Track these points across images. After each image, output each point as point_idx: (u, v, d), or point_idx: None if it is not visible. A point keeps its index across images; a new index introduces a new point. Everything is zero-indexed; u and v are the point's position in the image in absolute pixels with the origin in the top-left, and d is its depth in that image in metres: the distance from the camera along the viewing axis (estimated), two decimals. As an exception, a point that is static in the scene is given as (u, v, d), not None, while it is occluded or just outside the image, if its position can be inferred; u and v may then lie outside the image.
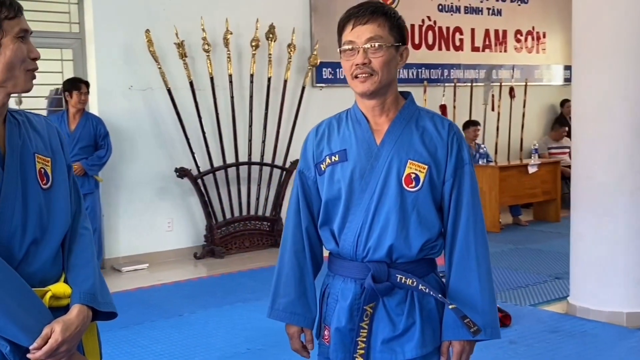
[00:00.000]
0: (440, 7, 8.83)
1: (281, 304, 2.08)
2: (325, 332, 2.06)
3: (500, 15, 9.45)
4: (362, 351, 1.97)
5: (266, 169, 7.41)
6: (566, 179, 8.46)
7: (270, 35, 7.21)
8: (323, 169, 2.03)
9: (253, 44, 7.15)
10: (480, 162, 8.10)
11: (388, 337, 1.97)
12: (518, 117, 9.21)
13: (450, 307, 1.91)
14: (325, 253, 2.14)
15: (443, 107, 8.60)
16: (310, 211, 2.09)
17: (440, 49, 8.84)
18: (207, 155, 7.01)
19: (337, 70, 7.89)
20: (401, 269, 1.94)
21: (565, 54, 10.34)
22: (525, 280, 5.81)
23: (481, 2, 9.22)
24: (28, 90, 1.77)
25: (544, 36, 10.02)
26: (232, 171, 7.20)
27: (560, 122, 9.74)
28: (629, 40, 4.51)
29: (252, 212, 7.36)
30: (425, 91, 8.49)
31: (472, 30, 9.14)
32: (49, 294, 1.73)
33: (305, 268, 2.09)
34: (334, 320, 2.03)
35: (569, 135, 9.55)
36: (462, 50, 9.05)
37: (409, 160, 1.94)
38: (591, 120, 4.70)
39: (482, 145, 8.47)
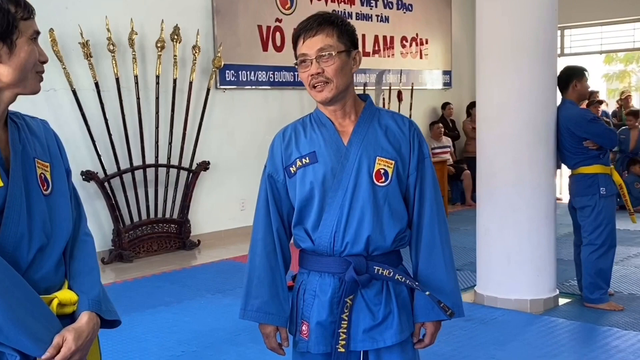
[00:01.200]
0: (334, 13, 9.02)
1: (254, 304, 2.13)
2: (304, 328, 2.12)
3: (388, 22, 9.82)
4: (344, 342, 2.07)
5: (173, 171, 7.32)
6: (449, 176, 8.97)
7: (175, 37, 7.12)
8: (293, 171, 2.10)
9: (158, 45, 7.03)
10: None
11: (368, 326, 2.08)
12: (406, 119, 9.64)
13: (426, 293, 2.06)
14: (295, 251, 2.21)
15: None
16: (279, 213, 2.16)
17: (334, 53, 9.04)
18: (114, 158, 6.83)
19: (240, 72, 7.92)
20: (377, 261, 2.06)
21: (446, 59, 10.93)
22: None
23: (371, 9, 9.55)
24: (36, 92, 1.75)
25: (427, 42, 10.52)
26: (139, 173, 7.05)
27: (438, 122, 10.27)
28: (529, 47, 4.81)
29: (160, 215, 7.24)
30: (322, 94, 8.72)
31: (363, 36, 9.43)
32: (55, 302, 1.71)
33: (277, 269, 2.14)
34: (313, 315, 2.10)
35: (447, 134, 10.11)
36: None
37: (377, 157, 2.06)
38: (495, 121, 4.96)
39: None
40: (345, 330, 2.07)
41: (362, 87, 9.15)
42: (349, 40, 2.07)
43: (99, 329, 1.77)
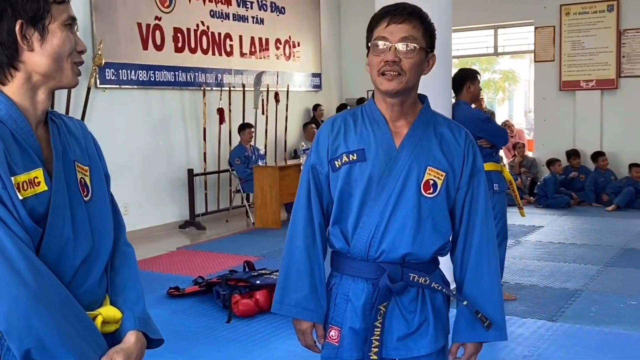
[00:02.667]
0: (212, 13, 8.84)
1: (293, 299, 2.01)
2: (332, 333, 2.02)
3: (263, 24, 9.76)
4: (377, 349, 1.96)
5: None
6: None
7: (52, 32, 6.63)
8: (338, 165, 1.97)
9: (35, 41, 6.51)
10: (260, 163, 8.33)
11: (403, 334, 1.98)
12: (282, 120, 9.64)
13: (464, 303, 1.97)
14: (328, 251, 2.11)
15: (221, 111, 8.68)
16: (321, 206, 2.03)
17: (214, 54, 8.86)
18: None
19: (121, 71, 7.53)
20: (413, 268, 1.96)
21: (316, 62, 11.05)
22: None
23: (247, 10, 9.43)
24: (74, 86, 1.57)
25: (298, 45, 10.57)
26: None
27: (308, 122, 10.34)
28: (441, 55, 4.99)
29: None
30: (204, 95, 8.50)
31: (240, 37, 9.30)
32: (99, 319, 1.53)
33: (317, 263, 2.02)
34: (346, 320, 2.00)
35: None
36: (232, 55, 9.18)
37: (428, 167, 1.94)
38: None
39: (260, 148, 8.71)
40: (378, 338, 1.96)
41: (242, 88, 9.04)
42: (430, 40, 1.95)
43: (145, 351, 1.60)
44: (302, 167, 7.57)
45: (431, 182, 1.94)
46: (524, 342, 4.20)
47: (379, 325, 1.96)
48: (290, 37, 10.34)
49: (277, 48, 10.08)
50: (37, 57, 1.46)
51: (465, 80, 5.21)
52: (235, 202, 9.04)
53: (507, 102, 22.97)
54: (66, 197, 1.49)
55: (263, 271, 5.18)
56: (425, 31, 1.92)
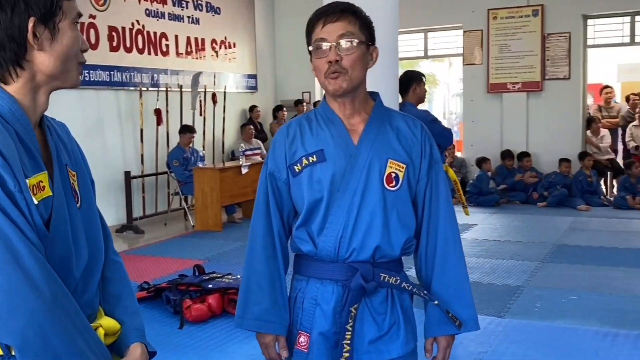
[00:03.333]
0: (147, 11, 8.62)
1: (254, 312, 1.96)
2: (302, 339, 1.96)
3: (199, 24, 9.59)
4: (347, 354, 1.91)
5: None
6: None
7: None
8: (298, 170, 1.93)
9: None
10: (200, 165, 8.18)
11: (374, 337, 1.94)
12: (219, 121, 9.50)
13: (435, 303, 1.94)
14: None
15: (158, 112, 8.48)
16: (281, 214, 1.99)
17: (149, 53, 8.63)
18: None
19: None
20: (383, 268, 1.92)
21: (251, 63, 10.95)
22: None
23: (182, 10, 9.25)
24: (77, 86, 1.47)
25: (234, 46, 10.44)
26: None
27: (246, 124, 10.24)
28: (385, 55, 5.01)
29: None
30: (141, 96, 8.28)
31: (176, 36, 9.11)
32: (101, 331, 1.45)
33: (277, 274, 1.98)
34: (315, 325, 1.94)
35: (257, 137, 10.14)
36: (168, 55, 8.97)
37: (388, 160, 1.92)
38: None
39: (201, 150, 8.55)
40: (349, 342, 1.91)
41: (179, 89, 8.86)
42: (369, 33, 1.94)
43: None
44: (242, 169, 7.42)
45: (393, 174, 1.93)
46: (476, 338, 4.26)
47: (350, 329, 1.92)
48: (226, 38, 10.20)
49: (213, 49, 9.93)
50: (45, 57, 1.35)
51: (411, 81, 5.27)
52: (174, 205, 8.86)
53: (427, 104, 23.47)
54: (65, 203, 1.39)
55: (214, 275, 5.08)
56: (361, 25, 1.92)
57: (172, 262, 6.52)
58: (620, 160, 10.68)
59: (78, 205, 1.45)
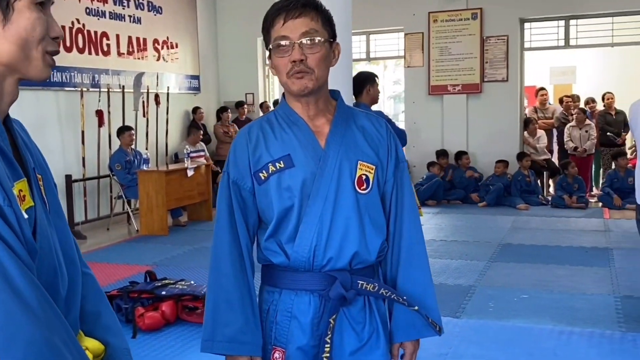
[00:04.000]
0: (88, 10, 8.31)
1: (225, 334, 1.78)
2: (277, 355, 1.83)
3: (140, 23, 9.31)
4: None
5: None
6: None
7: None
8: (264, 177, 1.80)
9: None
10: (144, 168, 7.94)
11: (355, 347, 1.84)
12: (162, 123, 9.26)
13: (414, 308, 1.84)
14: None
15: (100, 113, 8.19)
16: (247, 225, 1.84)
17: (90, 53, 8.33)
18: None
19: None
20: (360, 275, 1.82)
21: (194, 64, 10.73)
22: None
23: (123, 8, 8.96)
24: (44, 79, 1.26)
25: (177, 46, 10.20)
26: None
27: (195, 127, 10.05)
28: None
29: None
30: (81, 97, 7.97)
31: (117, 36, 8.82)
32: (89, 355, 1.31)
33: (247, 290, 1.81)
34: (292, 339, 1.81)
35: (202, 140, 9.94)
36: (110, 55, 8.67)
37: (358, 162, 1.81)
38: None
39: (145, 152, 8.30)
40: (328, 355, 1.79)
41: (121, 90, 8.58)
42: (330, 29, 1.81)
43: None
44: (188, 171, 7.23)
45: (364, 177, 1.82)
46: (435, 339, 4.13)
47: (329, 341, 1.80)
48: (168, 38, 9.96)
49: (156, 49, 9.68)
50: None
51: (365, 83, 5.23)
52: (117, 209, 8.57)
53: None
54: (44, 213, 1.24)
55: (167, 281, 4.90)
56: (324, 21, 1.79)
57: (118, 269, 6.29)
58: (555, 160, 10.95)
59: (48, 213, 1.28)
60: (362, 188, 1.82)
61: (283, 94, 1.90)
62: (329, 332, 1.79)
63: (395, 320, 1.91)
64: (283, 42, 1.75)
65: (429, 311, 1.89)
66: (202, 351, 1.82)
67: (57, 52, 1.27)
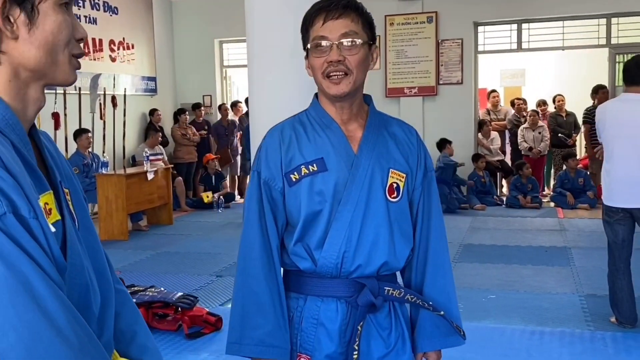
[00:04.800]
0: None
1: (254, 337, 1.76)
2: None
3: (96, 24, 9.09)
4: None
5: None
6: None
7: None
8: (295, 179, 1.76)
9: None
10: (103, 171, 7.74)
11: (382, 354, 1.82)
12: (120, 125, 9.04)
13: (441, 314, 1.83)
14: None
15: (56, 116, 7.95)
16: (277, 226, 1.80)
17: (45, 54, 8.08)
18: None
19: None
20: (386, 281, 1.81)
21: (150, 65, 10.53)
22: (197, 282, 5.83)
23: (79, 9, 8.72)
24: (71, 83, 1.18)
25: (133, 47, 9.99)
26: None
27: (153, 129, 9.86)
28: (299, 55, 4.84)
29: None
30: (38, 98, 7.72)
31: (73, 37, 8.59)
32: None
33: (277, 293, 1.78)
34: (320, 347, 1.78)
35: (160, 142, 9.75)
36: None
37: (390, 169, 1.79)
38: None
39: (103, 155, 8.09)
40: None
41: (77, 91, 8.34)
42: (370, 32, 1.78)
43: None
44: (148, 175, 6.99)
45: (395, 185, 1.80)
46: None
47: (357, 348, 1.77)
48: (124, 39, 9.75)
49: (112, 50, 9.46)
50: (24, 46, 1.08)
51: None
52: (75, 213, 8.32)
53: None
54: (73, 228, 1.16)
55: (136, 288, 4.77)
56: (364, 23, 1.76)
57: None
58: (508, 161, 11.13)
59: (77, 227, 1.20)
60: (392, 196, 1.80)
61: (316, 94, 1.85)
62: (357, 339, 1.77)
63: (420, 328, 1.90)
64: (322, 42, 1.72)
65: (453, 318, 1.88)
66: (228, 353, 1.79)
67: (83, 55, 1.20)
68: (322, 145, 1.78)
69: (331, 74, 1.72)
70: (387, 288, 1.79)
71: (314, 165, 1.76)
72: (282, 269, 1.85)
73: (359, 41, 1.72)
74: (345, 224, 1.75)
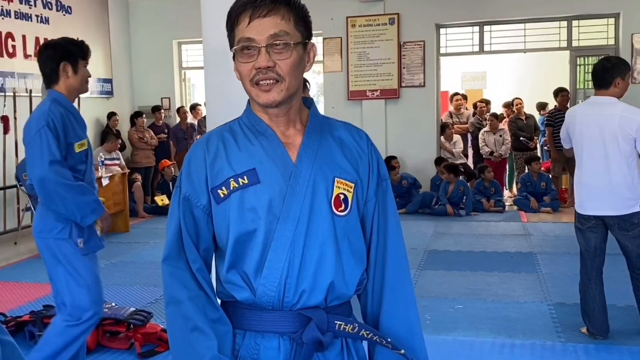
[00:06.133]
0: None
1: None
2: None
3: (49, 23, 8.66)
4: None
5: None
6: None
7: None
8: (223, 195, 1.52)
9: None
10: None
11: None
12: (73, 129, 8.64)
13: (401, 352, 1.56)
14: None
15: (5, 119, 7.54)
16: (197, 251, 1.56)
17: (-7, 54, 7.67)
18: None
19: None
20: (336, 313, 1.55)
21: (106, 67, 10.13)
22: (152, 295, 5.51)
23: (30, 8, 8.30)
24: None
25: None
26: None
27: (110, 133, 9.46)
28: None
29: None
30: (-17, 101, 7.31)
31: (24, 37, 8.16)
32: None
33: (213, 308, 1.53)
34: None
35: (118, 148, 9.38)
36: (15, 57, 8.00)
37: (335, 178, 1.54)
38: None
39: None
40: None
41: (28, 94, 7.94)
42: (305, 28, 1.54)
43: None
44: (102, 180, 6.65)
45: (342, 196, 1.55)
46: None
47: None
48: (78, 39, 9.30)
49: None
50: None
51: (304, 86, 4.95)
52: (25, 222, 7.91)
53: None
54: None
55: (85, 304, 4.44)
56: (297, 19, 1.51)
57: (29, 288, 5.74)
58: (470, 164, 11.02)
59: None
60: (339, 209, 1.54)
61: (248, 100, 1.60)
62: None
63: None
64: (247, 46, 1.48)
65: (416, 354, 1.61)
66: None
67: None
68: (254, 154, 1.54)
69: (260, 82, 1.49)
70: (338, 322, 1.54)
71: (244, 177, 1.51)
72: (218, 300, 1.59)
73: (290, 42, 1.48)
74: (286, 245, 1.50)
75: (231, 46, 1.53)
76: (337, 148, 1.59)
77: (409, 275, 1.66)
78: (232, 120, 1.62)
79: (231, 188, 1.51)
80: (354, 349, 1.61)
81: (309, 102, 1.64)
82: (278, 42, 1.47)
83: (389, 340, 1.57)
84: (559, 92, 9.65)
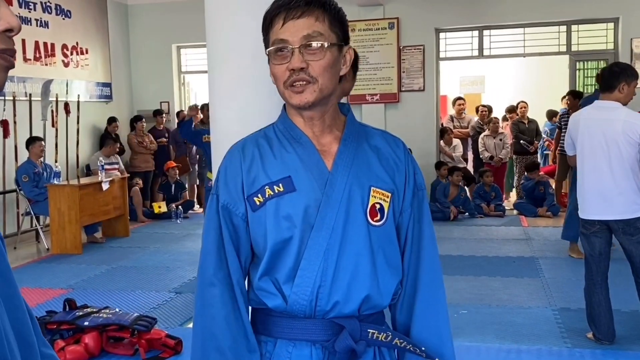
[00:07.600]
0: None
1: None
2: None
3: (48, 27, 8.64)
4: None
5: None
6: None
7: None
8: (258, 202, 1.50)
9: None
10: (55, 182, 7.31)
11: None
12: (73, 133, 8.62)
13: None
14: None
15: (5, 123, 7.51)
16: (239, 258, 1.54)
17: (-7, 59, 7.61)
18: None
19: None
20: (369, 322, 1.53)
21: (105, 71, 10.10)
22: (155, 300, 5.49)
23: (30, 12, 8.27)
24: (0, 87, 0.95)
25: (87, 52, 9.56)
26: None
27: (110, 137, 9.42)
28: (261, 62, 4.60)
29: None
30: (-16, 105, 7.28)
31: (23, 41, 8.13)
32: None
33: (241, 337, 1.51)
34: None
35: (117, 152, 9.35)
36: (15, 61, 7.94)
37: (371, 188, 1.52)
38: (233, 135, 4.66)
39: (55, 165, 7.65)
40: None
41: (27, 98, 7.91)
42: (341, 30, 1.52)
43: None
44: (103, 185, 6.64)
45: (377, 206, 1.53)
46: None
47: None
48: (77, 43, 9.31)
49: (64, 54, 9.01)
50: None
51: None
52: (25, 226, 7.88)
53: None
54: None
55: (89, 309, 4.42)
56: (332, 21, 1.49)
57: (29, 293, 5.70)
58: (470, 168, 11.01)
59: None
60: (375, 219, 1.52)
61: (284, 105, 1.58)
62: None
63: None
64: (281, 47, 1.46)
65: None
66: None
67: (13, 51, 0.97)
68: (289, 162, 1.52)
69: (293, 83, 1.47)
70: (371, 330, 1.52)
71: (280, 185, 1.50)
72: (250, 308, 1.57)
73: (324, 44, 1.46)
74: (320, 254, 1.48)
75: (266, 49, 1.52)
76: (374, 156, 1.57)
77: (442, 287, 1.64)
78: (266, 127, 1.61)
79: (267, 196, 1.50)
80: (388, 358, 1.59)
81: (345, 109, 1.62)
82: (311, 42, 1.46)
83: (423, 349, 1.56)
84: (567, 95, 9.61)
